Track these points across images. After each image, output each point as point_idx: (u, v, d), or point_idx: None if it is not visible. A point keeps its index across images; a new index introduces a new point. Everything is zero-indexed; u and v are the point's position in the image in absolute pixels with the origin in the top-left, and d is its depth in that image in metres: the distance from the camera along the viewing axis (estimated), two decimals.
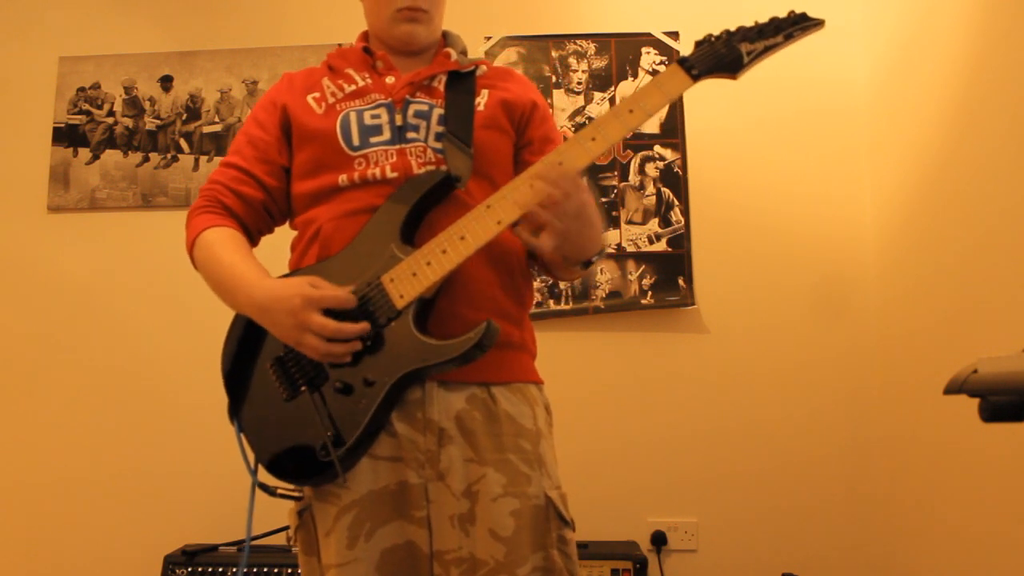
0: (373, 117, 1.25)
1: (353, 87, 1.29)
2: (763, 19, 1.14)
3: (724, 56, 1.13)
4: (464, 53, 1.36)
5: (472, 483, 1.16)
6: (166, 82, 2.73)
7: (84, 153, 2.71)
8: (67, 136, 2.72)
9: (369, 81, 1.29)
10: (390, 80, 1.29)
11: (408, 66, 1.32)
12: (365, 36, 1.39)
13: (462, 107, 1.26)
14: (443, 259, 1.12)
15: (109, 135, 2.72)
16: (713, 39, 1.15)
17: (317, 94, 1.30)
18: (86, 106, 2.73)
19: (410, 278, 1.13)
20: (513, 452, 1.18)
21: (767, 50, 1.14)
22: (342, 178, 1.22)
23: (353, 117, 1.25)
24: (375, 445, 1.16)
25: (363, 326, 1.11)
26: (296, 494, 1.22)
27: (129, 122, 2.72)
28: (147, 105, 2.73)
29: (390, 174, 1.21)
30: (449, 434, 1.17)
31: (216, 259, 1.22)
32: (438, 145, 1.23)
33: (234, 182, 1.29)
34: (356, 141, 1.23)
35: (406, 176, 1.20)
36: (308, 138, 1.26)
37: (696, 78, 1.13)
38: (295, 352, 1.16)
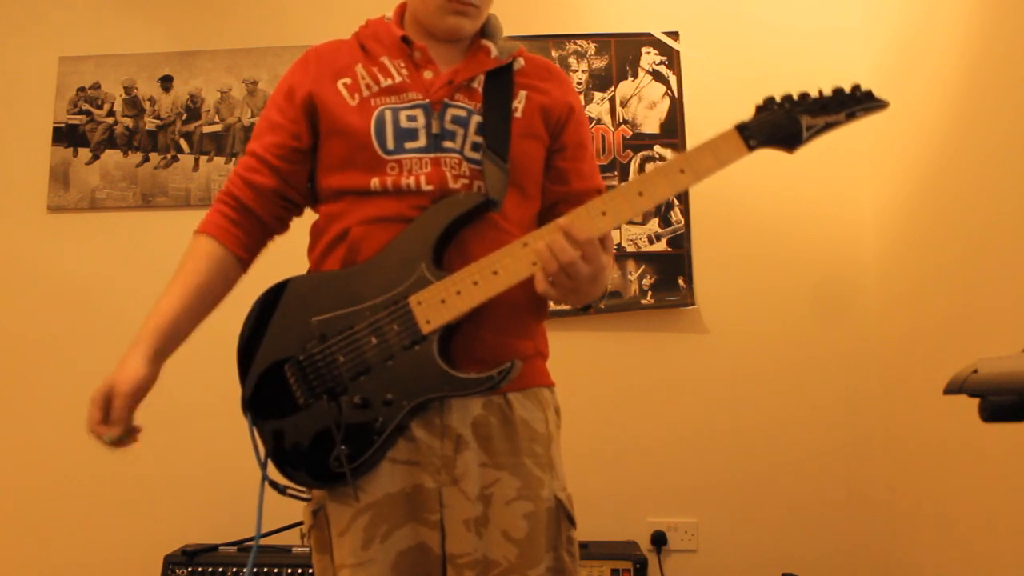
0: (409, 119, 1.21)
1: (389, 81, 1.24)
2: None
3: (783, 127, 1.10)
4: (500, 38, 1.31)
5: (486, 487, 1.17)
6: (166, 82, 2.73)
7: (84, 153, 2.71)
8: (67, 136, 2.72)
9: (406, 75, 1.24)
10: (428, 75, 1.24)
11: (445, 54, 1.28)
12: (401, 13, 1.33)
13: (500, 114, 1.23)
14: (474, 291, 1.12)
15: (109, 135, 2.72)
16: (775, 106, 1.11)
17: (349, 80, 1.24)
18: (86, 106, 2.73)
19: (438, 304, 1.13)
20: (528, 456, 1.19)
21: (827, 127, 1.10)
22: (374, 182, 1.19)
23: (388, 116, 1.21)
24: (393, 449, 1.16)
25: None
26: (304, 495, 1.22)
27: (129, 122, 2.72)
28: (147, 105, 2.73)
29: (425, 186, 1.18)
30: (466, 440, 1.17)
31: (173, 277, 1.26)
32: (474, 155, 1.20)
33: (248, 171, 1.26)
34: (391, 144, 1.20)
35: (441, 190, 1.18)
36: (339, 132, 1.22)
37: (752, 148, 1.11)
38: (315, 357, 1.16)
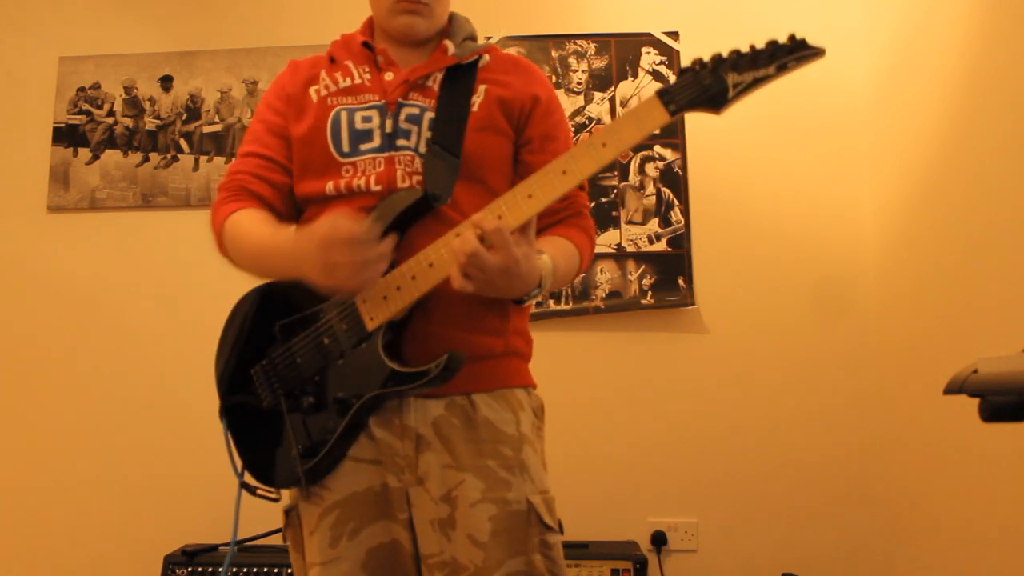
0: (364, 120, 1.22)
1: (348, 81, 1.26)
2: (761, 36, 1.04)
3: (708, 88, 1.03)
4: (472, 38, 1.31)
5: (451, 489, 1.16)
6: (166, 82, 2.73)
7: (84, 153, 2.71)
8: (67, 136, 2.72)
9: (368, 77, 1.26)
10: (389, 77, 1.25)
11: (408, 57, 1.28)
12: (369, 24, 1.35)
13: (455, 109, 1.22)
14: (412, 286, 1.12)
15: (109, 135, 2.71)
16: (699, 67, 1.04)
17: (317, 86, 1.27)
18: (86, 106, 2.73)
19: (381, 301, 1.13)
20: (492, 458, 1.17)
21: (756, 83, 1.03)
22: (329, 186, 1.21)
23: (344, 117, 1.23)
24: (356, 448, 1.17)
25: (390, 243, 1.08)
26: (273, 496, 1.23)
27: (129, 122, 2.72)
28: (147, 105, 2.73)
29: (374, 186, 1.19)
30: (427, 440, 1.16)
31: (247, 235, 1.20)
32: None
33: (260, 169, 1.26)
34: (346, 147, 1.21)
35: (389, 189, 1.18)
36: (299, 140, 1.25)
37: (674, 114, 1.04)
38: (275, 361, 1.18)
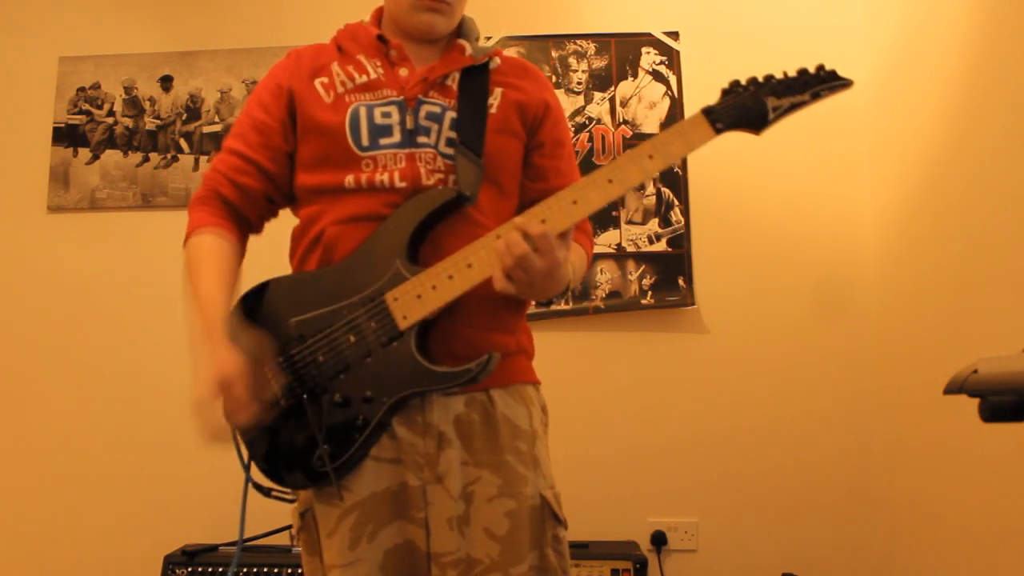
0: (384, 116, 1.21)
1: (364, 78, 1.25)
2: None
3: (750, 110, 1.11)
4: (476, 40, 1.33)
5: (468, 484, 1.17)
6: (166, 82, 2.73)
7: (84, 153, 2.71)
8: (67, 136, 2.71)
9: (381, 72, 1.25)
10: (403, 72, 1.25)
11: (422, 54, 1.28)
12: (379, 15, 1.34)
13: (474, 110, 1.23)
14: (449, 285, 1.12)
15: (109, 135, 2.71)
16: (740, 89, 1.12)
17: (325, 79, 1.26)
18: (86, 106, 2.73)
19: (414, 300, 1.13)
20: (510, 453, 1.19)
21: (793, 108, 1.12)
22: (348, 179, 1.20)
23: (363, 113, 1.22)
24: (377, 447, 1.16)
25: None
26: (289, 497, 1.22)
27: (129, 122, 2.72)
28: (147, 105, 2.73)
29: (399, 183, 1.18)
30: (448, 437, 1.17)
31: (194, 275, 1.25)
32: (449, 151, 1.21)
33: (234, 172, 1.26)
34: (365, 141, 1.20)
35: (415, 186, 1.18)
36: (315, 131, 1.23)
37: (719, 131, 1.11)
38: (295, 358, 1.17)
